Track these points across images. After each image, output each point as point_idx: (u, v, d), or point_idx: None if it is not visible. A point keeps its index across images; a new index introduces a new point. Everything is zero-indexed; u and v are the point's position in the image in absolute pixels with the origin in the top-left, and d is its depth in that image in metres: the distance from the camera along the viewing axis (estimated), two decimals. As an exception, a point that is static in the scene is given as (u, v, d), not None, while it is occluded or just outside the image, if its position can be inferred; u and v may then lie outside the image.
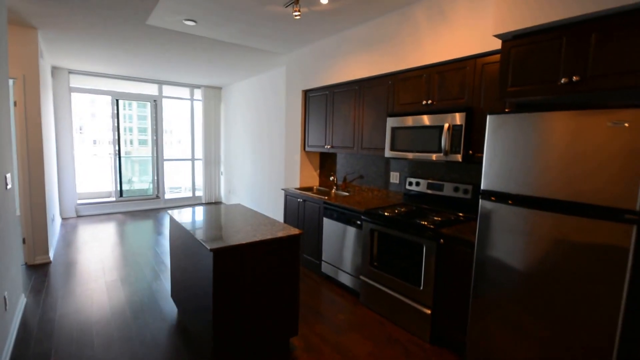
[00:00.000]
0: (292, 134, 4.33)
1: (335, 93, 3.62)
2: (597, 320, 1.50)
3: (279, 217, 5.29)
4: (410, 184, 3.08)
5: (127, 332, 2.52)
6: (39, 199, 3.64)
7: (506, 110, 2.03)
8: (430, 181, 2.91)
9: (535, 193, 1.68)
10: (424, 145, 2.61)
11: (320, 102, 3.85)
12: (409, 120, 2.72)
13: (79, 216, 5.91)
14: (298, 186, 4.21)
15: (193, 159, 7.26)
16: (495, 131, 1.85)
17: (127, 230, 5.20)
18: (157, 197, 6.76)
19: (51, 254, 3.87)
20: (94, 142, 6.85)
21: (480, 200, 1.93)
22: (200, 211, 2.81)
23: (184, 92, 6.92)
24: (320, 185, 4.35)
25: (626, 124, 1.40)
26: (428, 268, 2.34)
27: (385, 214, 2.69)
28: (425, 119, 2.60)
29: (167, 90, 6.66)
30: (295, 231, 2.25)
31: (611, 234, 1.45)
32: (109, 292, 3.15)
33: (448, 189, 2.75)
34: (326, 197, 3.47)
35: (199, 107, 7.11)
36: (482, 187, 1.92)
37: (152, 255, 4.10)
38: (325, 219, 3.38)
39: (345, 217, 3.13)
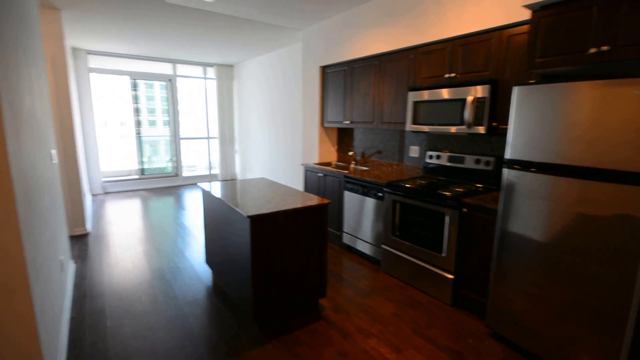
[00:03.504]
0: (309, 111, 4.39)
1: (354, 68, 3.65)
2: (616, 283, 1.61)
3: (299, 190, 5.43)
4: (431, 157, 3.16)
5: (169, 291, 2.76)
6: (74, 175, 3.84)
7: (530, 81, 2.08)
8: (450, 154, 2.99)
9: (562, 161, 1.76)
10: (446, 118, 2.67)
11: (339, 77, 3.88)
12: (431, 94, 2.77)
13: (105, 193, 6.16)
14: (317, 162, 4.31)
15: (208, 138, 7.39)
16: (522, 102, 1.91)
17: (152, 206, 5.43)
18: (176, 175, 6.96)
19: (88, 226, 4.12)
20: (117, 123, 7.01)
21: (504, 169, 2.01)
22: (228, 184, 2.95)
23: (197, 70, 6.95)
24: (338, 161, 4.45)
25: (654, 92, 1.45)
26: (450, 236, 2.46)
27: (407, 185, 2.80)
28: (448, 93, 2.65)
29: (181, 69, 6.71)
30: (322, 201, 2.38)
31: (638, 199, 1.52)
32: (147, 258, 3.39)
33: (469, 161, 2.83)
34: (346, 172, 3.57)
35: (212, 85, 7.15)
36: (506, 157, 2.00)
37: (179, 227, 4.32)
38: (346, 192, 3.50)
39: (366, 190, 3.24)
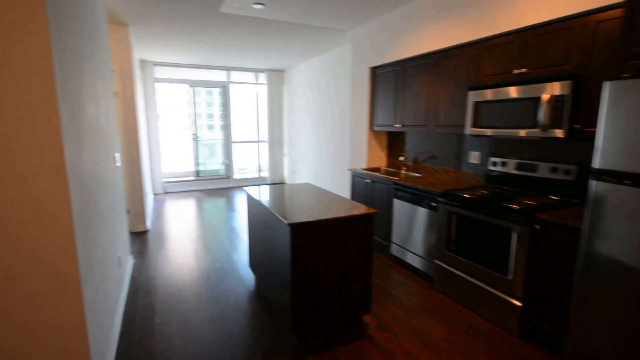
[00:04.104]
0: (358, 114, 4.23)
1: (406, 68, 3.42)
2: None
3: (343, 196, 5.29)
4: (494, 164, 2.81)
5: (214, 293, 2.80)
6: (137, 176, 4.12)
7: (625, 75, 1.71)
8: (519, 160, 2.63)
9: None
10: (514, 120, 2.34)
11: (389, 78, 3.67)
12: (496, 93, 2.46)
13: (165, 192, 6.59)
14: (365, 167, 4.13)
15: (258, 141, 7.58)
16: (615, 100, 1.57)
17: (205, 206, 5.67)
18: (228, 177, 7.23)
19: (148, 224, 4.40)
20: (176, 128, 7.51)
21: (590, 181, 1.67)
22: (272, 189, 2.91)
23: (249, 76, 7.17)
24: (388, 166, 4.22)
25: None
26: (518, 256, 2.13)
27: (466, 195, 2.51)
28: (517, 91, 2.32)
29: (235, 76, 6.97)
30: (368, 210, 2.21)
31: None
32: (196, 257, 3.51)
33: (543, 170, 2.45)
34: (396, 178, 3.35)
35: (263, 90, 7.33)
36: (594, 166, 1.66)
37: (228, 229, 4.43)
38: (395, 201, 3.28)
39: (418, 198, 2.99)
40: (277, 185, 3.11)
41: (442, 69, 3.00)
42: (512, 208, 2.17)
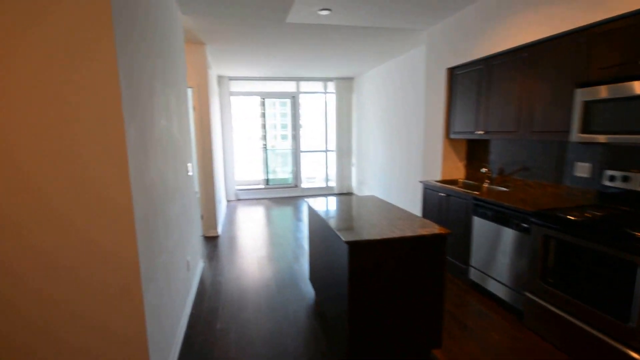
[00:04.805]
0: (432, 120, 3.86)
1: (492, 66, 2.98)
2: None
3: (414, 211, 4.89)
4: (612, 178, 2.23)
5: (272, 304, 2.77)
6: (210, 184, 4.38)
7: None
8: (647, 175, 2.03)
9: None
10: (642, 123, 1.81)
11: (471, 79, 3.26)
12: (614, 90, 1.94)
13: (237, 199, 6.95)
14: (439, 178, 3.73)
15: (326, 151, 7.55)
16: None
17: (272, 214, 5.80)
18: (296, 186, 7.33)
19: (219, 229, 4.64)
20: (248, 138, 7.94)
21: None
22: (335, 201, 2.76)
23: (318, 86, 7.22)
24: (466, 178, 3.75)
25: None
26: (650, 301, 1.60)
27: (571, 217, 2.01)
28: (647, 84, 1.79)
29: (303, 86, 7.09)
30: (440, 230, 1.90)
31: None
32: (259, 266, 3.54)
33: (687, 187, 1.85)
34: (477, 193, 2.92)
35: (331, 99, 7.30)
36: None
37: (292, 239, 4.41)
38: (475, 218, 2.85)
39: (503, 217, 2.54)
40: (340, 196, 2.96)
41: (539, 63, 2.52)
42: (638, 237, 1.65)
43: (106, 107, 1.31)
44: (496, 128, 2.96)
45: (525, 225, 2.35)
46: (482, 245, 2.79)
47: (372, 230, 1.91)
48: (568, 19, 2.24)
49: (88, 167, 1.33)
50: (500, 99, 2.90)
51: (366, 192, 6.83)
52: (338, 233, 1.86)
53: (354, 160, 7.46)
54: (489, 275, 2.73)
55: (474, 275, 2.92)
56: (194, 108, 4.16)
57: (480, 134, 3.15)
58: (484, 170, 3.41)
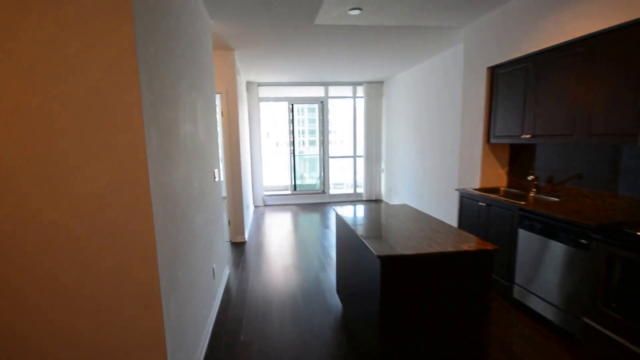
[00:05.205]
0: (470, 124, 3.60)
1: (541, 63, 2.71)
2: None
3: (449, 221, 4.60)
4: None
5: (298, 316, 2.65)
6: (238, 190, 4.36)
7: None
8: None
9: None
10: None
11: (516, 78, 2.99)
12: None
13: (265, 205, 6.94)
14: (478, 186, 3.45)
15: (355, 156, 7.38)
16: None
17: (299, 221, 5.70)
18: (323, 192, 7.21)
19: (246, 235, 4.61)
20: (276, 143, 7.94)
21: None
22: (364, 210, 2.60)
23: (347, 90, 7.10)
24: (508, 187, 3.44)
25: None
26: None
27: (642, 233, 1.73)
28: None
29: (332, 90, 6.99)
30: (486, 245, 1.68)
31: None
32: (285, 275, 3.44)
33: None
34: (523, 203, 2.64)
35: (360, 104, 7.14)
36: None
37: (319, 247, 4.27)
38: (521, 231, 2.57)
39: (555, 230, 2.26)
40: (369, 204, 2.79)
41: (597, 58, 2.23)
42: None
43: (125, 111, 1.25)
44: (546, 131, 2.67)
45: (583, 241, 2.06)
46: (528, 261, 2.51)
47: (407, 243, 1.73)
48: (634, 6, 1.96)
49: (106, 174, 1.27)
50: (551, 99, 2.61)
51: (396, 199, 6.57)
52: (369, 246, 1.70)
53: (383, 166, 7.23)
54: (536, 295, 2.44)
55: (518, 293, 2.63)
56: (222, 113, 4.16)
57: (527, 138, 2.86)
58: (530, 177, 3.10)
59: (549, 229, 2.32)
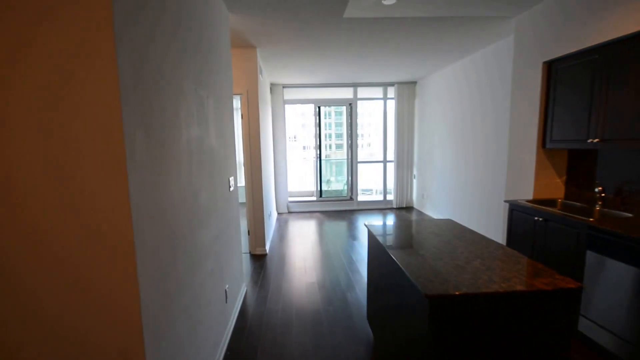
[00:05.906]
0: (521, 127, 3.14)
1: (613, 55, 2.24)
2: None
3: (492, 235, 4.12)
4: None
5: (321, 343, 2.35)
6: (258, 198, 4.10)
7: None
8: None
9: None
10: None
11: (580, 73, 2.53)
12: None
13: (289, 212, 6.68)
14: (531, 197, 2.99)
15: (385, 161, 6.98)
16: None
17: (325, 230, 5.38)
18: (351, 198, 6.85)
19: (267, 247, 4.33)
20: (302, 147, 7.70)
21: None
22: (401, 226, 2.24)
23: (377, 92, 6.72)
24: (566, 198, 2.96)
25: None
26: None
27: None
28: None
29: (361, 92, 6.64)
30: (569, 283, 1.29)
31: None
32: (308, 294, 3.11)
33: None
34: (591, 219, 2.19)
35: (391, 106, 6.75)
36: None
37: (346, 261, 3.93)
38: (590, 253, 2.12)
39: (637, 255, 1.80)
40: (405, 217, 2.44)
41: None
42: None
43: (98, 108, 0.98)
44: (620, 134, 2.20)
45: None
46: (600, 290, 2.05)
47: (461, 275, 1.37)
48: None
49: (71, 184, 1.01)
50: (626, 96, 2.15)
51: (429, 207, 6.09)
52: (414, 281, 1.35)
53: (415, 172, 6.78)
54: (611, 332, 1.97)
55: (587, 328, 2.16)
56: (242, 116, 3.94)
57: (594, 143, 2.40)
58: (597, 189, 2.62)
59: (630, 253, 1.87)
